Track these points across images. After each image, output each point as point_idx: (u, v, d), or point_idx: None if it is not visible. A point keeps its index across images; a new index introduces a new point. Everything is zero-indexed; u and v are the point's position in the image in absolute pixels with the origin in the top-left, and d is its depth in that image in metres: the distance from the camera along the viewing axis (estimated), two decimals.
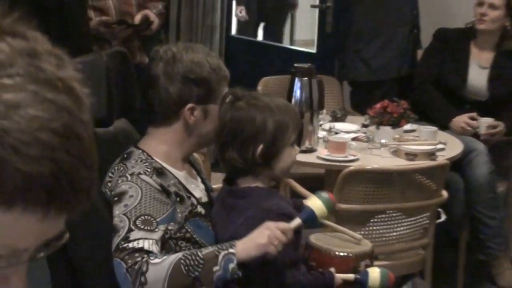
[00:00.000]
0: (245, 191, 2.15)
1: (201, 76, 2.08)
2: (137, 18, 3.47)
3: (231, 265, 1.89)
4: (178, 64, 2.08)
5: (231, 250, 1.90)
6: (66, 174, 0.68)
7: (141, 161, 2.06)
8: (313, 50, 5.14)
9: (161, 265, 1.87)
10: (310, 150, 3.21)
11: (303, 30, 6.04)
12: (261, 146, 2.11)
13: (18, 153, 0.65)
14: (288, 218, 2.10)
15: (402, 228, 3.02)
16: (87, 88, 0.73)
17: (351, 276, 2.07)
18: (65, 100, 0.69)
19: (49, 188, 0.67)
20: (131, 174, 2.02)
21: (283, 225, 1.94)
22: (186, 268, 1.87)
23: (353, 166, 2.97)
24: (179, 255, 1.90)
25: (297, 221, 1.98)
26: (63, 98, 0.69)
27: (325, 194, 2.06)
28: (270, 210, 2.08)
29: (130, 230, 1.92)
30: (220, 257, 1.89)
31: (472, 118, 3.79)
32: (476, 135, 3.76)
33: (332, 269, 2.08)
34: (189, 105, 2.09)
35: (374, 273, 2.06)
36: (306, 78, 3.19)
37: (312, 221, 2.01)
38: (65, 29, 2.76)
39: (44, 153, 0.66)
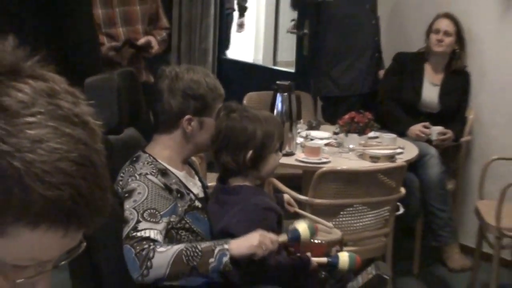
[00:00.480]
0: (236, 188, 2.16)
1: (198, 93, 2.08)
2: (141, 41, 3.45)
3: (225, 259, 1.88)
4: (180, 82, 2.08)
5: (225, 246, 1.90)
6: (83, 197, 0.67)
7: (147, 163, 2.06)
8: (292, 70, 5.14)
9: (165, 253, 1.87)
10: (290, 154, 3.23)
11: (285, 53, 6.03)
12: (250, 152, 2.12)
13: (42, 181, 0.65)
14: (272, 211, 2.11)
15: (367, 219, 3.03)
16: (99, 120, 0.72)
17: (324, 259, 2.08)
18: (81, 133, 0.68)
19: (69, 210, 0.67)
20: (140, 174, 2.02)
21: (272, 236, 1.94)
22: (187, 258, 1.87)
23: (326, 167, 2.98)
24: (181, 246, 1.89)
25: (283, 237, 1.98)
26: (79, 131, 0.68)
27: (312, 224, 2.03)
28: (257, 205, 2.09)
29: (138, 221, 1.93)
30: (216, 251, 1.89)
31: (426, 127, 3.82)
32: (429, 141, 3.78)
33: (308, 254, 2.09)
34: (187, 117, 2.09)
35: (344, 257, 2.07)
36: (286, 94, 3.20)
37: (295, 241, 1.98)
38: (77, 47, 2.73)
39: (64, 180, 0.66)
